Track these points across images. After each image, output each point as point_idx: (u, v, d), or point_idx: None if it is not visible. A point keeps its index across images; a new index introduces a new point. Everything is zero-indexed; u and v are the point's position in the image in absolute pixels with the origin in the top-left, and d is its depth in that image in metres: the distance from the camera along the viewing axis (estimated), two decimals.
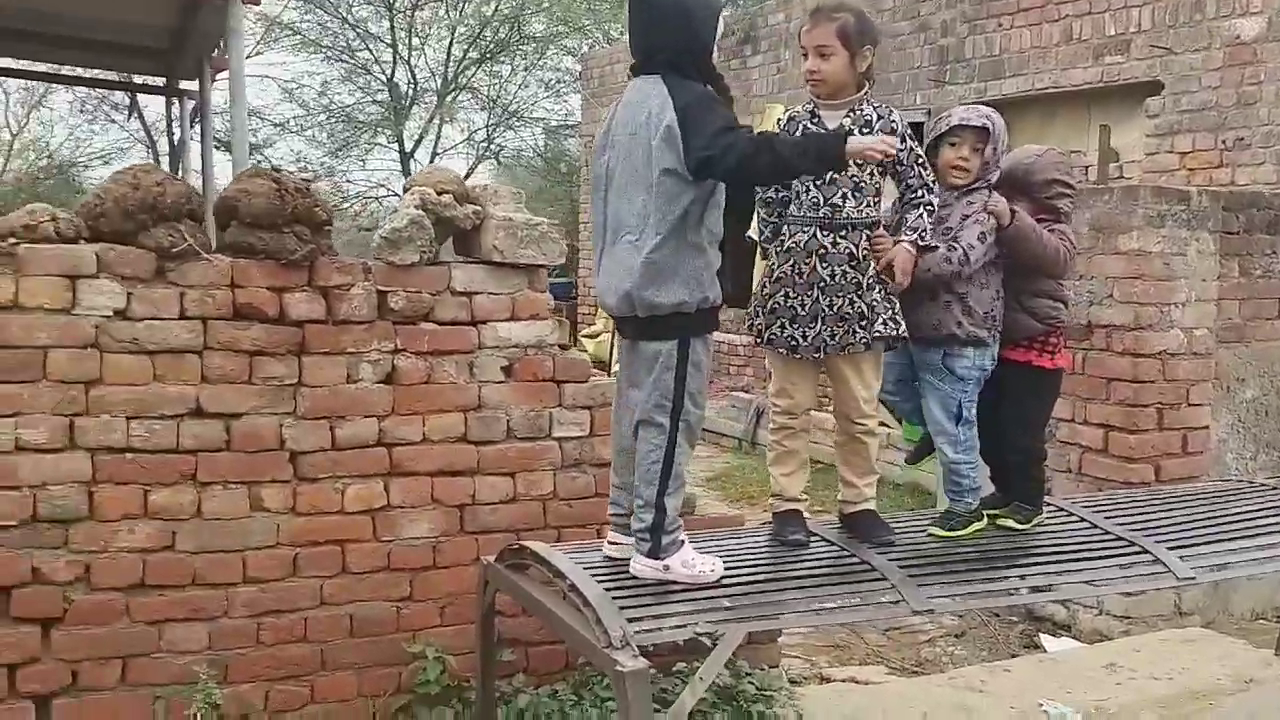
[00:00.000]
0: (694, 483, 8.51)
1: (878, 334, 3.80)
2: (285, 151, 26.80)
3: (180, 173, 12.92)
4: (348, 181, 26.57)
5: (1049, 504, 4.42)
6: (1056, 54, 10.48)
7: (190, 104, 13.22)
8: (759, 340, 3.95)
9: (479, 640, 4.18)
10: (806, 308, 3.83)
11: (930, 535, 4.12)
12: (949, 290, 3.98)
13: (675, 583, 3.54)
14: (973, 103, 10.99)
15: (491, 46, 24.87)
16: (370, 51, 25.16)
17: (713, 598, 3.49)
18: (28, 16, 9.67)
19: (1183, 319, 6.05)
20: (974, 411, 4.13)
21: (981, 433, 4.29)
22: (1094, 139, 10.03)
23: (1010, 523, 4.22)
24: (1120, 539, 4.12)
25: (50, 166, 25.76)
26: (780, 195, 3.96)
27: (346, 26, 24.80)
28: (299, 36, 24.82)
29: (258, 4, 7.51)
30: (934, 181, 3.94)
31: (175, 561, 4.21)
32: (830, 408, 4.07)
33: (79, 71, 16.87)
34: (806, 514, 4.10)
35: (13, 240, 4.01)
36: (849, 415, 3.94)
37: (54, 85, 21.11)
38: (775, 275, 3.90)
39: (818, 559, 3.89)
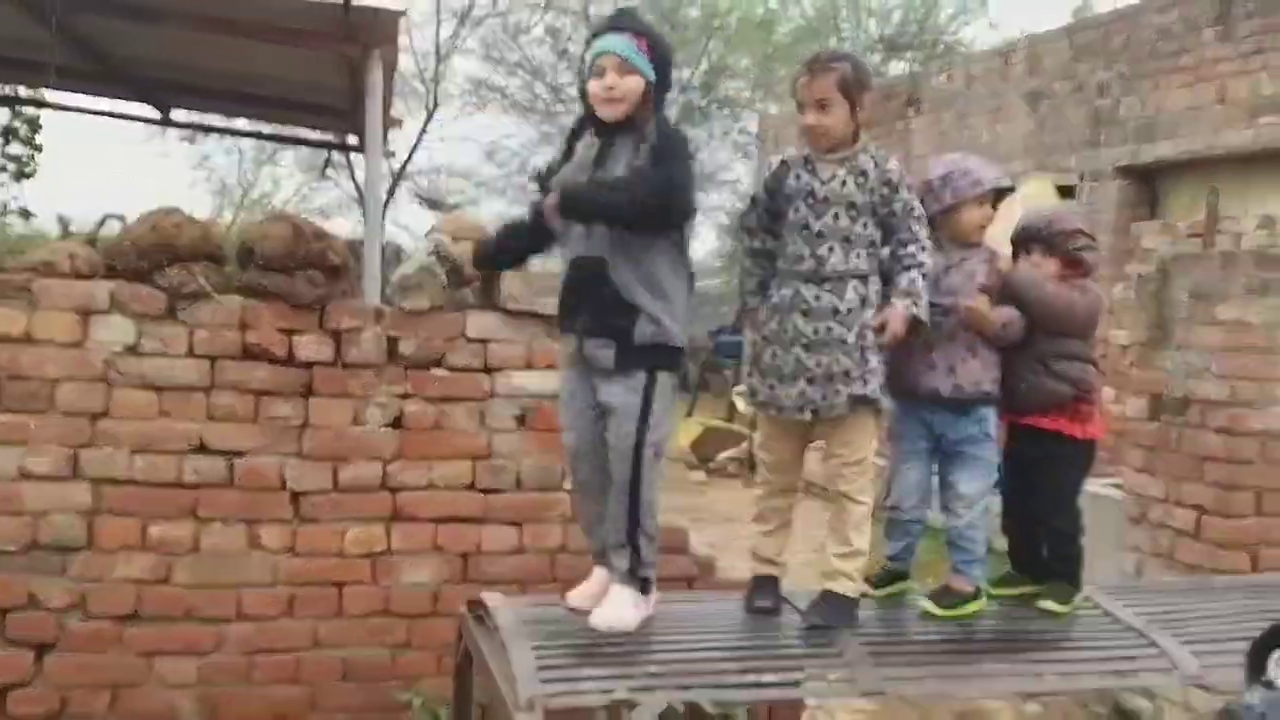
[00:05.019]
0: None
1: (868, 395, 3.57)
2: (490, 211, 27.64)
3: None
4: None
5: None
6: (1211, 115, 9.84)
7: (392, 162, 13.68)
8: (751, 401, 3.78)
9: (454, 694, 4.08)
10: (790, 366, 3.63)
11: (924, 613, 3.83)
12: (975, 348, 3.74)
13: (608, 642, 3.40)
14: (1126, 166, 10.61)
15: (685, 110, 25.11)
16: (569, 114, 25.77)
17: (641, 662, 3.32)
18: (229, 78, 10.12)
19: None
20: None
21: (1008, 510, 4.01)
22: (1253, 206, 9.34)
23: (1051, 604, 3.87)
24: (1133, 630, 3.75)
25: (272, 220, 27.03)
26: (767, 247, 3.79)
27: (548, 90, 25.51)
28: (506, 99, 25.66)
29: (394, 65, 7.78)
30: (929, 240, 3.69)
31: (170, 594, 4.28)
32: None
33: (301, 132, 17.49)
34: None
35: (28, 275, 4.19)
36: (828, 476, 3.71)
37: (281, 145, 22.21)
38: (763, 334, 3.72)
39: (783, 630, 3.67)
